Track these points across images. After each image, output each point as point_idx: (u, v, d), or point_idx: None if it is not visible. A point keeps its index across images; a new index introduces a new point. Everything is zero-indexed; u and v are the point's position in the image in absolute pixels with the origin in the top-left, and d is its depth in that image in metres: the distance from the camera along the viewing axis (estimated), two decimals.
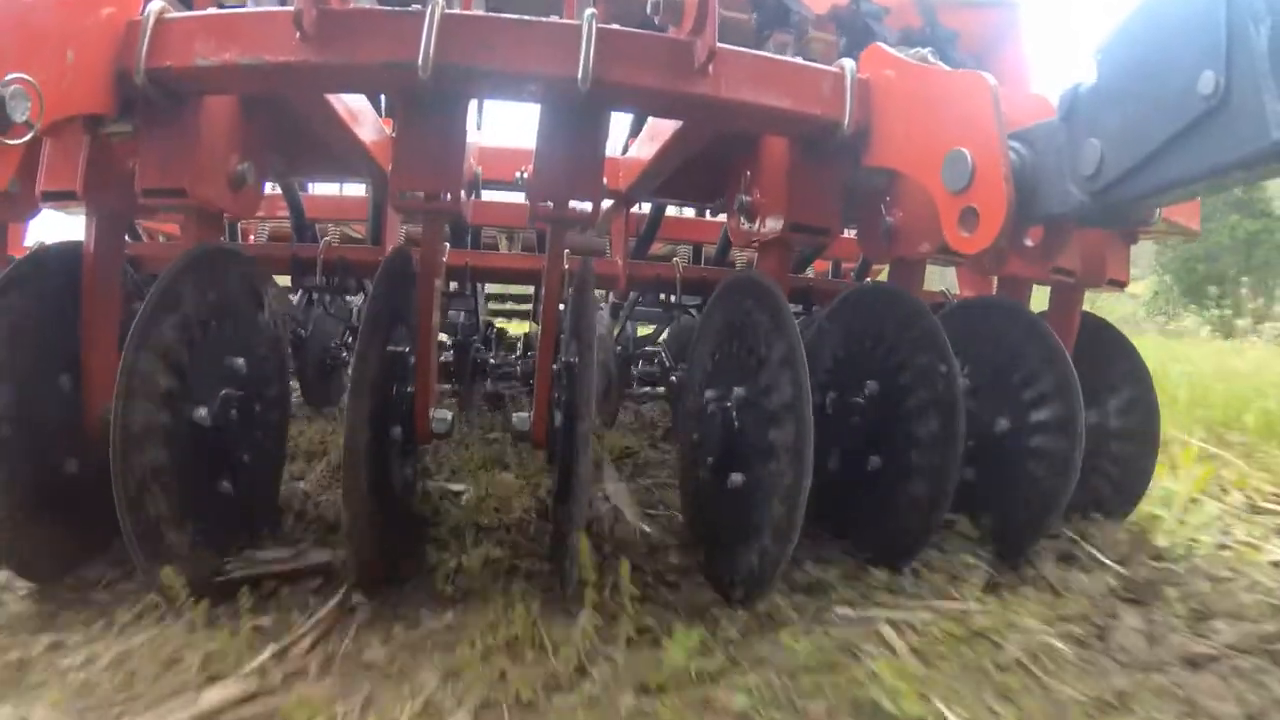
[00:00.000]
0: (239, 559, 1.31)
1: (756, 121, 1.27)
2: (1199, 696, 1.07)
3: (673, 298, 2.25)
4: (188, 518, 1.21)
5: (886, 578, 1.41)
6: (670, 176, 1.77)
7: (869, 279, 2.76)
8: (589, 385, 1.23)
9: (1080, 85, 0.96)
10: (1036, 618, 1.28)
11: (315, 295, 2.22)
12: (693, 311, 2.34)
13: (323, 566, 1.33)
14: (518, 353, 3.16)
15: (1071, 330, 1.76)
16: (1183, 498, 2.07)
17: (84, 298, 1.34)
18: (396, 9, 1.11)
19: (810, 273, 3.05)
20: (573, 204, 1.26)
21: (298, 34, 1.06)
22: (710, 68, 1.11)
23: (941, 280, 2.55)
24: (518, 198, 2.57)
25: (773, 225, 1.41)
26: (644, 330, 3.37)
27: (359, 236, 3.06)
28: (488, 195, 2.51)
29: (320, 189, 3.18)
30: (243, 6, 1.49)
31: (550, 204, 1.26)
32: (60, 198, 1.31)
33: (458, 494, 1.85)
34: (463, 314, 2.65)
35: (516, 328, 4.19)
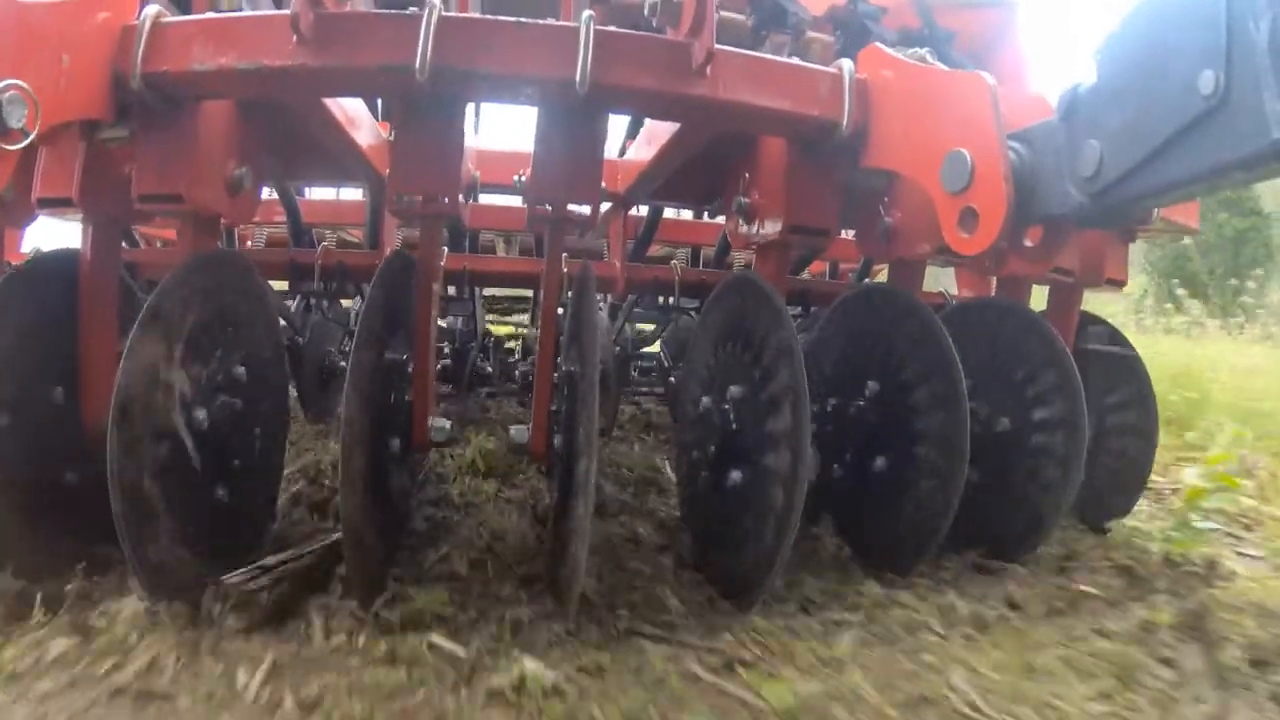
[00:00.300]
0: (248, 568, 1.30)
1: (755, 123, 1.27)
2: None
3: (671, 300, 2.25)
4: (186, 526, 1.21)
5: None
6: (668, 179, 1.76)
7: (868, 280, 2.76)
8: (590, 396, 1.22)
9: (1079, 85, 0.96)
10: None
11: (313, 301, 2.21)
12: (691, 313, 2.34)
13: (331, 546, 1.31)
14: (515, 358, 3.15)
15: (1070, 329, 1.76)
16: None
17: (81, 304, 1.34)
18: (393, 12, 1.10)
19: (806, 274, 3.05)
20: (571, 207, 1.26)
21: (294, 38, 1.05)
22: (708, 69, 1.10)
23: (938, 282, 2.55)
24: (515, 201, 2.56)
25: (771, 227, 1.40)
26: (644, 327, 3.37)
27: (356, 241, 3.05)
28: (484, 199, 2.51)
29: (317, 193, 3.17)
30: (240, 9, 1.49)
31: (548, 207, 1.25)
32: (56, 204, 1.30)
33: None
34: (460, 320, 2.64)
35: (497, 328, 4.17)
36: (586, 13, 1.07)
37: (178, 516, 1.18)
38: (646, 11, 1.20)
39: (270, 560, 1.24)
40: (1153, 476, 1.98)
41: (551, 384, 1.52)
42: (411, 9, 1.08)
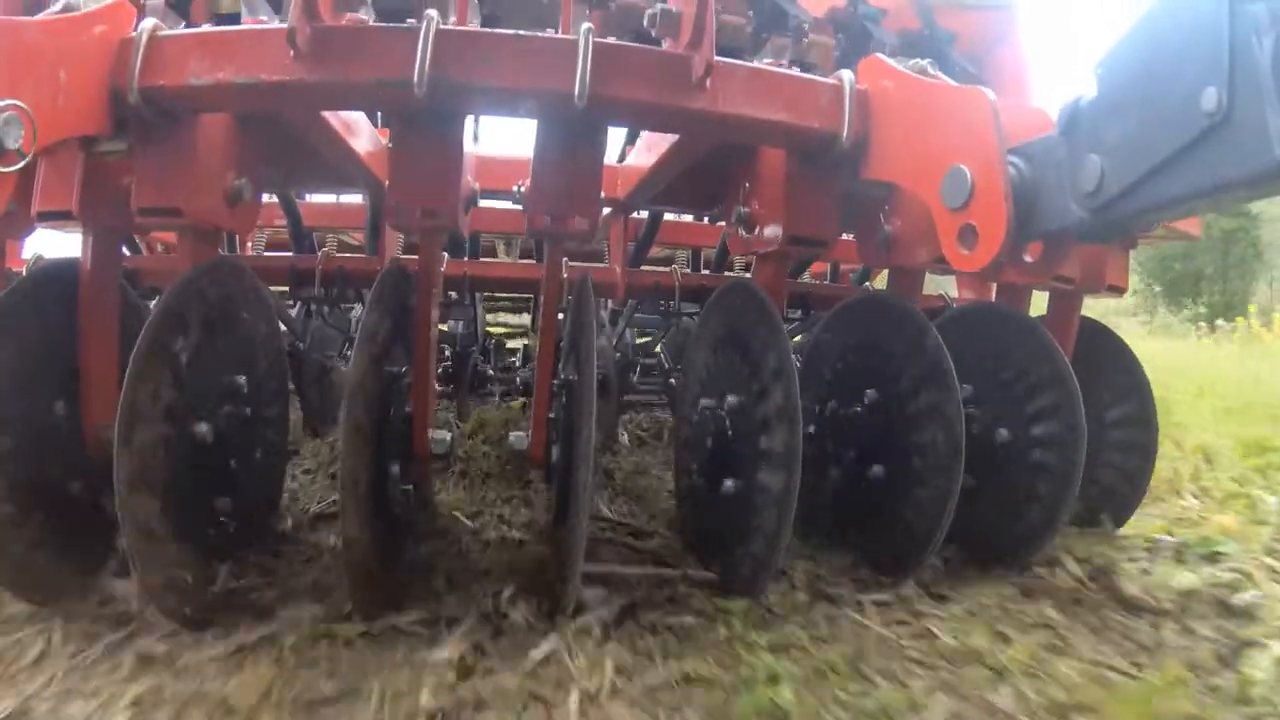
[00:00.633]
0: None
1: (755, 135, 1.26)
2: None
3: (671, 304, 2.25)
4: (188, 534, 1.21)
5: None
6: (669, 185, 1.76)
7: (868, 283, 2.75)
8: (588, 404, 1.22)
9: (1080, 99, 0.95)
10: None
11: (314, 306, 2.21)
12: (692, 315, 2.34)
13: None
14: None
15: (1070, 337, 1.75)
16: None
17: (81, 315, 1.34)
18: (391, 25, 1.10)
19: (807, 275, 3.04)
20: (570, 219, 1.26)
21: (292, 52, 1.05)
22: (708, 82, 1.10)
23: (938, 285, 2.55)
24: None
25: (771, 236, 1.40)
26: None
27: (357, 244, 3.05)
28: (484, 202, 2.50)
29: (318, 196, 3.16)
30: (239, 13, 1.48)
31: (548, 219, 1.25)
32: (56, 217, 1.30)
33: None
34: (461, 324, 2.64)
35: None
36: (585, 25, 1.06)
37: (183, 528, 1.18)
38: (646, 22, 1.19)
39: None
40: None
41: (550, 391, 1.52)
42: (410, 21, 1.08)
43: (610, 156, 2.21)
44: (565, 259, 2.10)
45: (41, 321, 1.31)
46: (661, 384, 2.74)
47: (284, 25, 1.04)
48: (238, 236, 2.48)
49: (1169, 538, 1.79)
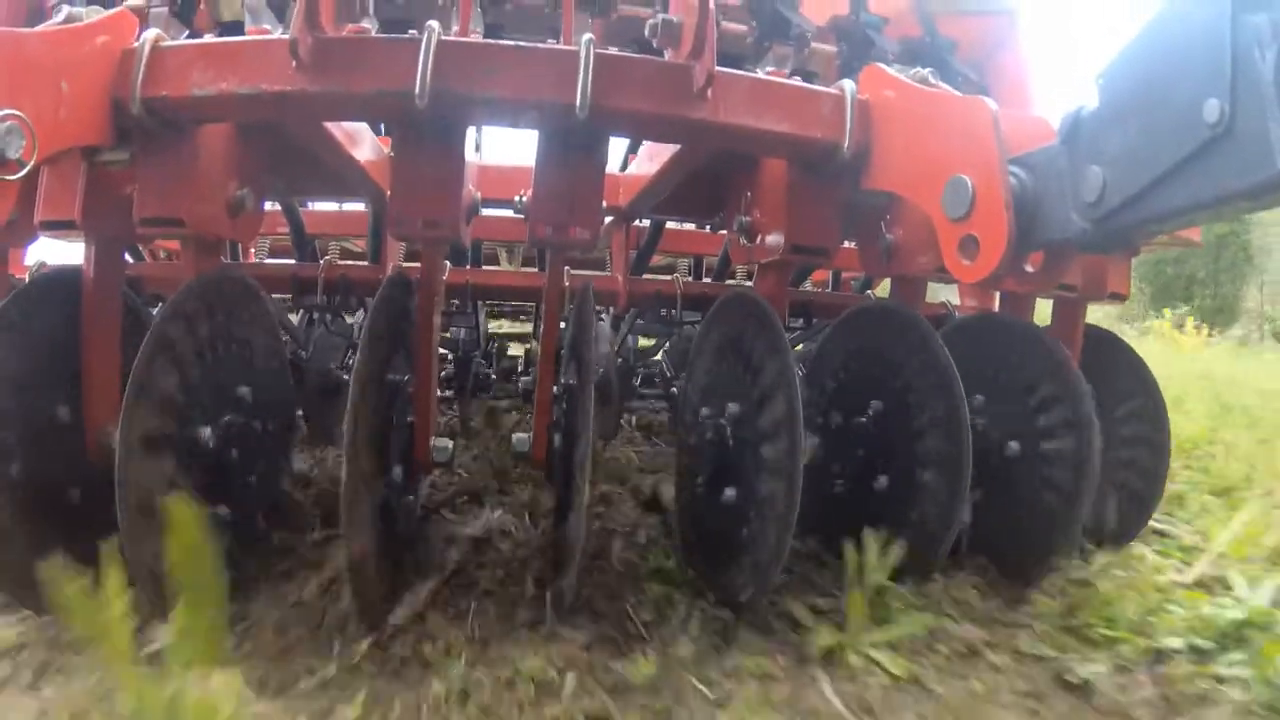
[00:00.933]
0: None
1: (756, 145, 1.26)
2: None
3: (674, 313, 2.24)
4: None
5: None
6: (670, 193, 1.76)
7: (870, 291, 2.75)
8: (587, 411, 1.22)
9: (1082, 109, 0.95)
10: None
11: (316, 315, 2.21)
12: (694, 324, 2.34)
13: None
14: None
15: (1076, 344, 1.75)
16: None
17: (84, 323, 1.34)
18: (393, 36, 1.10)
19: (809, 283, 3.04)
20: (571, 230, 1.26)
21: (294, 63, 1.05)
22: (709, 92, 1.10)
23: (938, 293, 2.54)
24: None
25: (772, 246, 1.40)
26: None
27: (359, 250, 3.05)
28: (487, 210, 2.51)
29: (320, 203, 3.18)
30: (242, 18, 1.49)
31: (549, 229, 1.25)
32: (59, 227, 1.30)
33: None
34: (463, 330, 2.64)
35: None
36: (586, 36, 1.06)
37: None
38: (648, 33, 1.19)
39: None
40: None
41: (552, 396, 1.53)
42: (411, 32, 1.09)
43: (613, 165, 2.22)
44: (567, 267, 2.10)
45: (46, 327, 1.31)
46: (663, 390, 2.75)
47: (286, 36, 1.04)
48: (240, 244, 2.49)
49: None
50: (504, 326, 4.31)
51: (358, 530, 1.13)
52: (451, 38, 1.08)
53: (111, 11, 1.12)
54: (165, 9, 1.47)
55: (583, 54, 1.04)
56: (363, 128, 1.62)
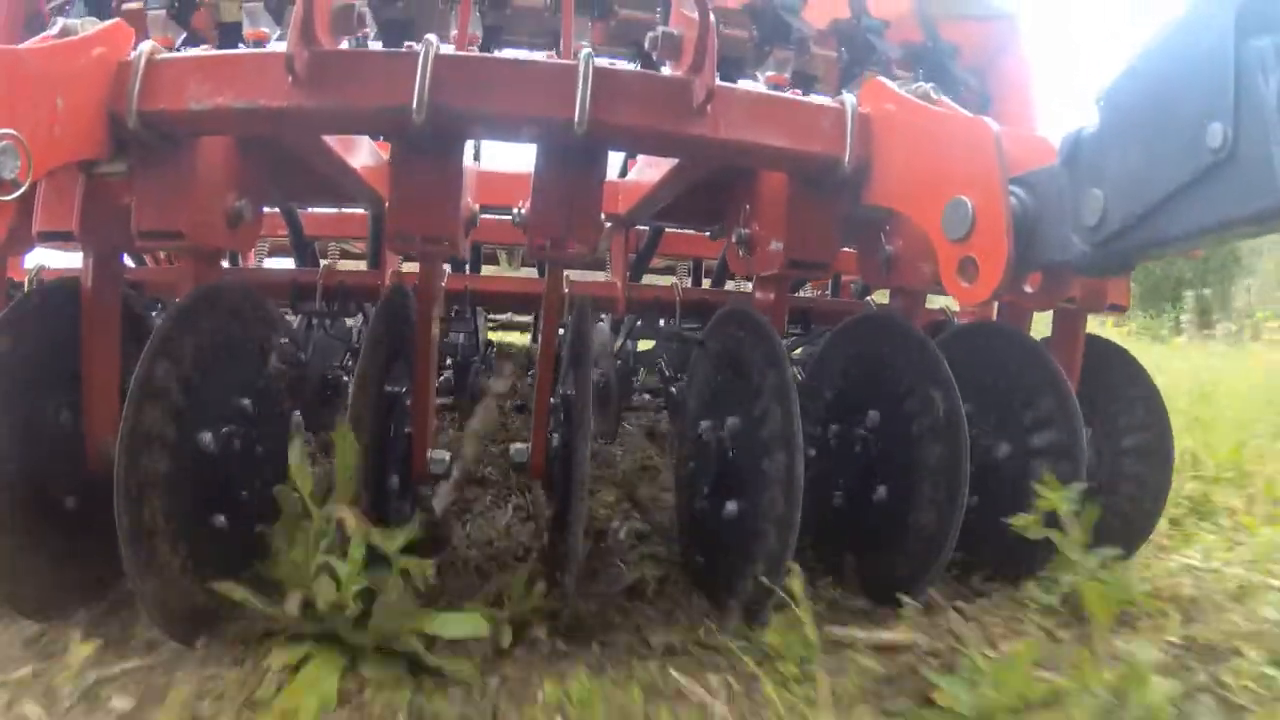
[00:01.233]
0: None
1: (756, 159, 1.26)
2: None
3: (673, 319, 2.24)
4: (190, 551, 1.21)
5: None
6: (670, 201, 1.75)
7: (869, 297, 2.74)
8: (585, 423, 1.21)
9: (1083, 130, 0.95)
10: None
11: (314, 320, 2.20)
12: (693, 329, 2.33)
13: None
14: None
15: (1076, 357, 1.74)
16: None
17: (83, 333, 1.34)
18: (389, 50, 1.10)
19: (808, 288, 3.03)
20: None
21: (290, 77, 1.05)
22: (709, 107, 1.09)
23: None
24: None
25: (771, 258, 1.40)
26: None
27: (359, 253, 3.05)
28: (486, 214, 2.50)
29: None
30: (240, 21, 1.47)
31: (548, 242, 1.25)
32: (57, 238, 1.30)
33: None
34: (462, 335, 2.63)
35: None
36: (585, 50, 1.06)
37: (184, 544, 1.18)
38: (648, 45, 1.19)
39: None
40: None
41: (550, 406, 1.52)
42: (408, 45, 1.08)
43: (612, 170, 2.21)
44: (566, 273, 2.09)
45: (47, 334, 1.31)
46: (662, 392, 2.74)
47: (282, 49, 1.03)
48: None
49: None
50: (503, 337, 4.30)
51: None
52: (449, 52, 1.08)
53: (107, 24, 1.11)
54: (163, 12, 1.47)
55: (581, 69, 1.04)
56: (360, 136, 1.61)
